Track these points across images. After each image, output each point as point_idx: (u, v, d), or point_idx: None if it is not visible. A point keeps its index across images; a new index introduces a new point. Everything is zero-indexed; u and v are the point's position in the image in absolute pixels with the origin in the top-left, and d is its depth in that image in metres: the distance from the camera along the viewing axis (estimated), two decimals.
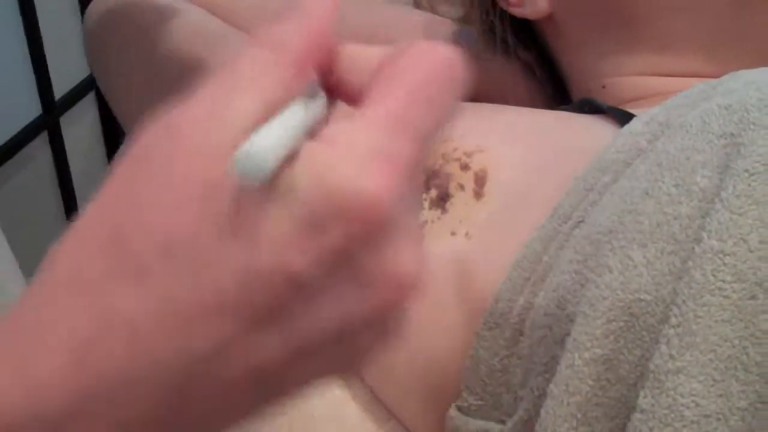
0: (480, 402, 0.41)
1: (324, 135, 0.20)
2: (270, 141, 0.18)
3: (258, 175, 0.18)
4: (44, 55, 0.88)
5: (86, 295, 0.20)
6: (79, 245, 0.21)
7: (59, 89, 0.92)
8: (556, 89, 0.60)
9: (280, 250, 0.19)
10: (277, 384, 0.21)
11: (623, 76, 0.52)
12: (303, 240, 0.19)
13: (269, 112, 0.20)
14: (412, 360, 0.44)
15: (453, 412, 0.42)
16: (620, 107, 0.52)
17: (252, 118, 0.20)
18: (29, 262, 0.61)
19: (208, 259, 0.19)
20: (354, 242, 0.20)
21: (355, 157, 0.20)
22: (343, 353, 0.21)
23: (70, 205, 0.94)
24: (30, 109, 0.90)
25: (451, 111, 0.23)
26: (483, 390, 0.41)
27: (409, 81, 0.22)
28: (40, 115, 0.91)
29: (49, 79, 0.90)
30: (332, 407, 0.47)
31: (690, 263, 0.32)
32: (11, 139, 0.86)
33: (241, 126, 0.19)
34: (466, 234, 0.43)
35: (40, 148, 0.92)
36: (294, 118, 0.20)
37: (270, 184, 0.19)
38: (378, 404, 0.48)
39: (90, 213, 0.21)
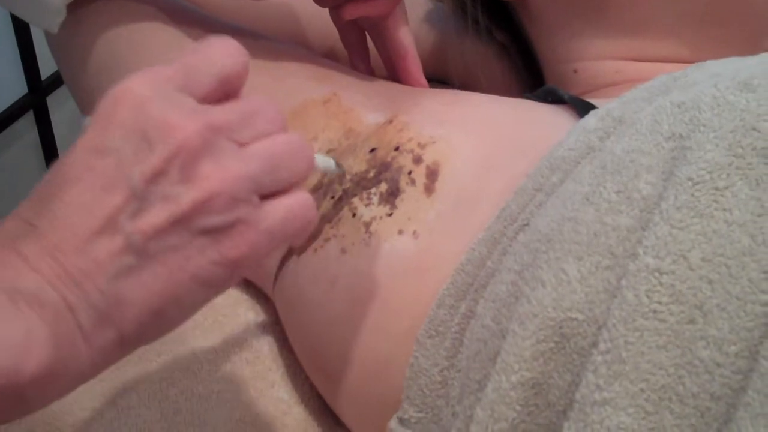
0: (420, 414, 0.39)
1: None
2: None
3: None
4: (30, 35, 0.87)
5: None
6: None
7: (45, 69, 0.91)
8: (530, 72, 0.56)
9: (86, 138, 0.31)
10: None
11: (595, 61, 0.49)
12: (100, 125, 0.31)
13: None
14: (357, 365, 0.42)
15: (393, 423, 0.40)
16: (593, 93, 0.49)
17: None
18: None
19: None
20: (128, 110, 0.30)
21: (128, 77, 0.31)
22: (165, 190, 0.30)
23: None
24: (16, 88, 0.89)
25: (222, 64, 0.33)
26: (422, 402, 0.38)
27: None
28: (26, 95, 0.90)
29: (35, 58, 0.89)
30: (277, 411, 0.45)
31: (623, 282, 0.29)
32: None
33: None
34: (414, 233, 0.40)
35: (26, 127, 0.91)
36: None
37: None
38: (326, 409, 0.46)
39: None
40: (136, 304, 0.30)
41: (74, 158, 0.30)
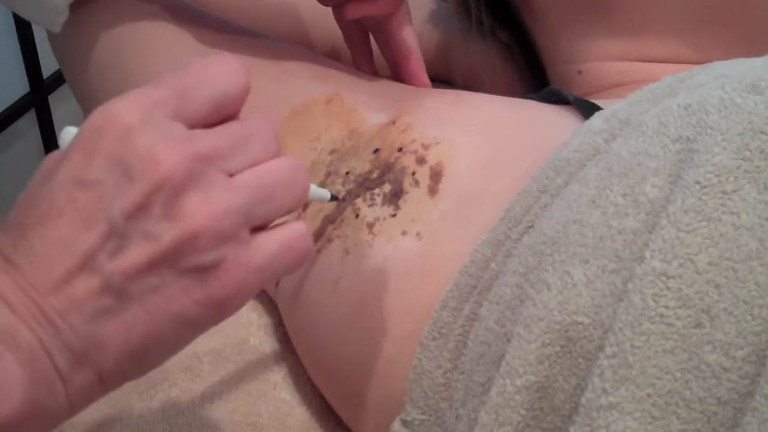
0: (423, 416, 0.38)
1: None
2: None
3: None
4: (32, 34, 0.87)
5: None
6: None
7: (47, 68, 0.91)
8: (534, 73, 0.56)
9: (69, 165, 0.29)
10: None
11: (600, 62, 0.49)
12: (84, 152, 0.28)
13: None
14: (359, 367, 0.42)
15: (396, 425, 0.39)
16: (597, 94, 0.49)
17: None
18: None
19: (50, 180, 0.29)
20: (113, 140, 0.28)
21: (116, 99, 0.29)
22: (148, 228, 0.28)
23: None
24: (18, 87, 0.89)
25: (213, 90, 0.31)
26: (426, 404, 0.38)
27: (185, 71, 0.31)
28: (28, 93, 0.90)
29: (37, 57, 0.89)
30: (280, 412, 0.45)
31: (630, 286, 0.29)
32: None
33: None
34: (417, 234, 0.40)
35: (27, 126, 0.91)
36: None
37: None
38: (328, 411, 0.46)
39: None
40: (114, 346, 0.28)
41: (57, 187, 0.29)
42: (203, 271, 0.28)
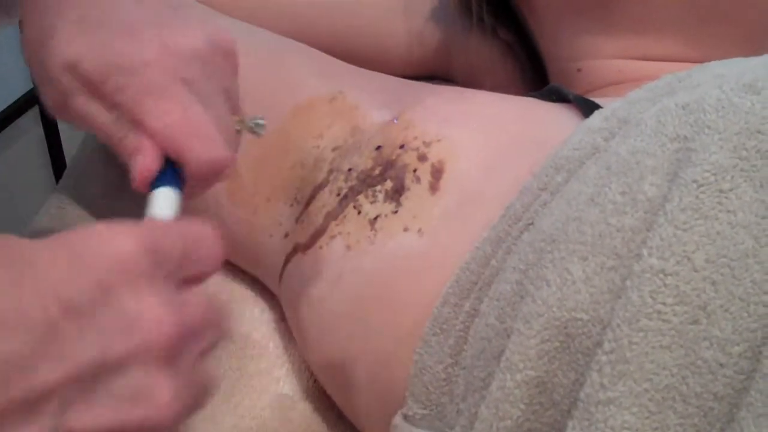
0: (424, 411, 0.39)
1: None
2: None
3: None
4: None
5: None
6: None
7: None
8: (535, 70, 0.57)
9: (55, 281, 0.25)
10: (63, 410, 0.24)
11: (599, 59, 0.49)
12: (72, 275, 0.25)
13: None
14: (360, 362, 0.42)
15: (398, 420, 0.40)
16: (597, 92, 0.49)
17: None
18: (19, 234, 0.60)
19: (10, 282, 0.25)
20: (106, 287, 0.25)
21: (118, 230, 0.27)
22: (116, 389, 0.25)
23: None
24: (21, 83, 0.89)
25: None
26: (427, 399, 0.39)
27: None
28: (31, 90, 0.90)
29: None
30: (282, 407, 0.46)
31: (628, 283, 0.29)
32: (1, 113, 0.86)
33: None
34: (419, 231, 0.41)
35: (30, 123, 0.91)
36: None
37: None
38: (330, 405, 0.47)
39: None
40: None
41: (44, 287, 0.24)
42: None
